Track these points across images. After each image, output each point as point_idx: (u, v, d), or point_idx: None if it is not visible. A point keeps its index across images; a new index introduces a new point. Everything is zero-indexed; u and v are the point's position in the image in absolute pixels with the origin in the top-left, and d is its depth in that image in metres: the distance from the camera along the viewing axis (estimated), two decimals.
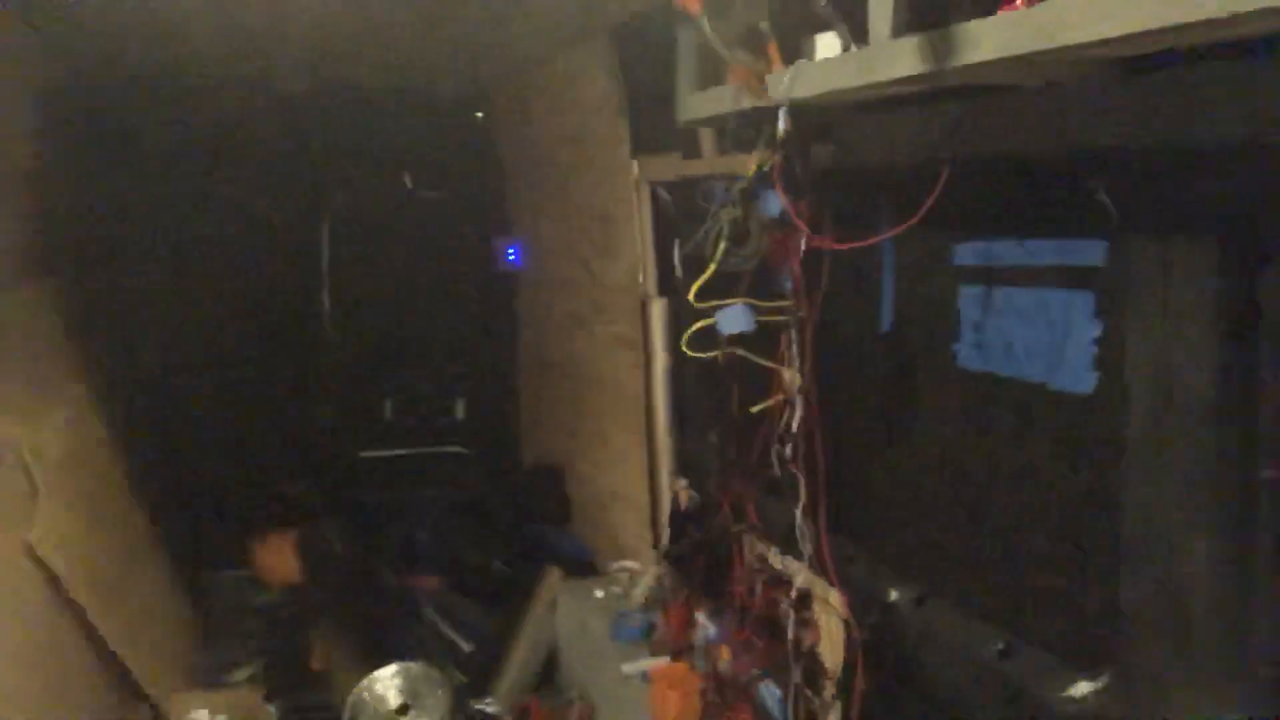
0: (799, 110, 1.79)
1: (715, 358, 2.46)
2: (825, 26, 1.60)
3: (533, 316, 4.67)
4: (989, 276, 1.82)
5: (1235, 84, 1.27)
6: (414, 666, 2.95)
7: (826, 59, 1.53)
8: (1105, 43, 0.98)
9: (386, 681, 2.92)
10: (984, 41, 1.13)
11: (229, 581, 4.25)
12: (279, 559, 4.11)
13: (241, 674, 3.62)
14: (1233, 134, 1.31)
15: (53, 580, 2.73)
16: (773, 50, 1.60)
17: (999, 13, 1.14)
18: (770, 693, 2.44)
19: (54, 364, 3.33)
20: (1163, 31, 0.92)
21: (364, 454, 4.80)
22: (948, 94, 1.65)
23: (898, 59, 1.28)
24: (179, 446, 4.33)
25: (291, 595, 4.02)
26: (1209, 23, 0.89)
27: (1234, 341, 1.37)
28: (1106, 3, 0.96)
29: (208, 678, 3.53)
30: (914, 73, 1.24)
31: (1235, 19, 0.85)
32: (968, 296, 1.88)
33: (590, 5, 2.74)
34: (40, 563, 2.69)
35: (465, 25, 3.08)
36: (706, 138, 2.52)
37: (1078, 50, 1.04)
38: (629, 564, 3.46)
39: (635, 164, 3.09)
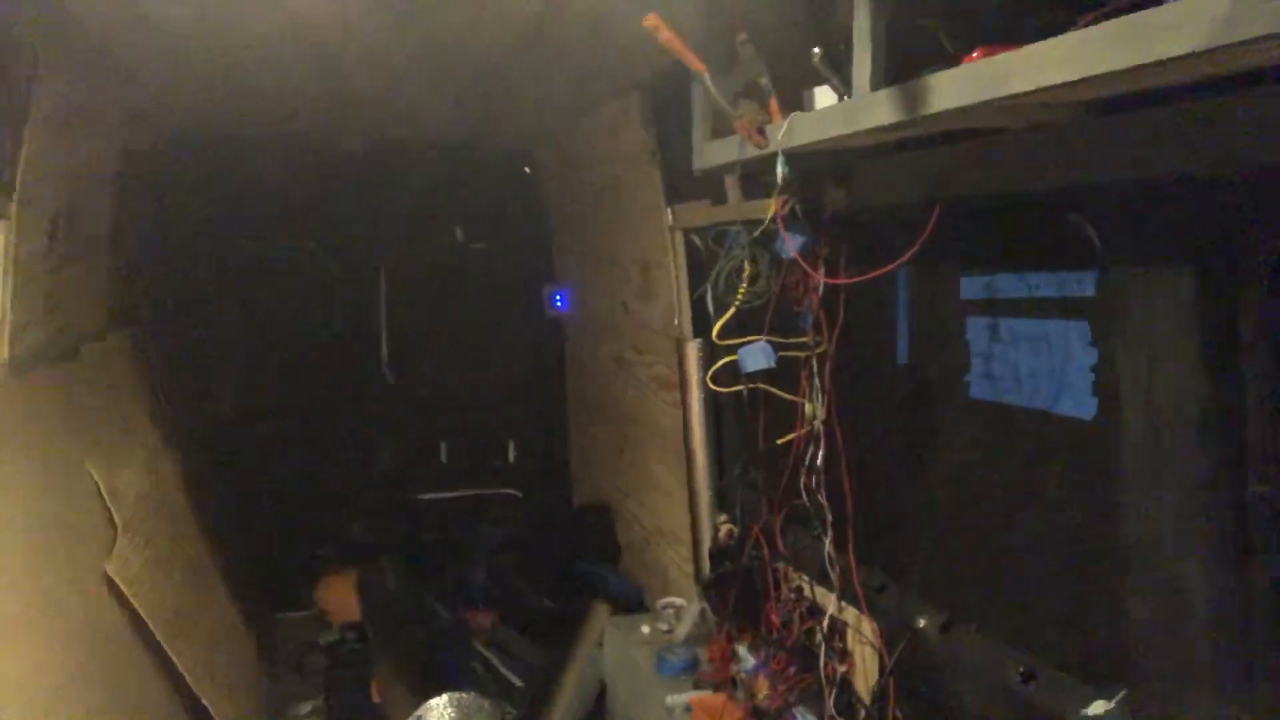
0: (813, 157, 1.91)
1: (742, 394, 2.56)
2: (822, 80, 1.71)
3: (579, 360, 4.82)
4: (993, 309, 1.90)
5: (1207, 120, 1.35)
6: (465, 696, 3.05)
7: (816, 110, 1.64)
8: (1046, 90, 1.08)
9: (439, 710, 3.02)
10: (945, 91, 1.23)
11: (294, 620, 4.44)
12: (340, 598, 4.29)
13: (305, 707, 3.77)
14: (1205, 167, 1.38)
15: (130, 611, 2.92)
16: (772, 103, 1.72)
17: (961, 64, 1.25)
18: None
19: (134, 409, 3.57)
20: (1092, 80, 1.02)
21: (421, 496, 4.96)
22: (945, 138, 1.75)
23: (877, 109, 1.39)
24: (246, 490, 4.55)
25: (352, 632, 4.19)
26: (1131, 71, 0.99)
27: (1216, 363, 1.43)
28: (1042, 57, 1.06)
29: (274, 710, 3.69)
30: (890, 121, 1.35)
31: (1145, 70, 0.94)
32: (975, 329, 1.95)
33: (622, 62, 2.91)
34: (119, 594, 2.87)
35: (511, 83, 3.27)
36: (732, 185, 2.64)
37: (1026, 97, 1.13)
38: (674, 600, 3.53)
39: (669, 211, 3.22)
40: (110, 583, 2.85)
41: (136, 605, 2.92)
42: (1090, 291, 1.64)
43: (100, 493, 2.96)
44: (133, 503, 3.16)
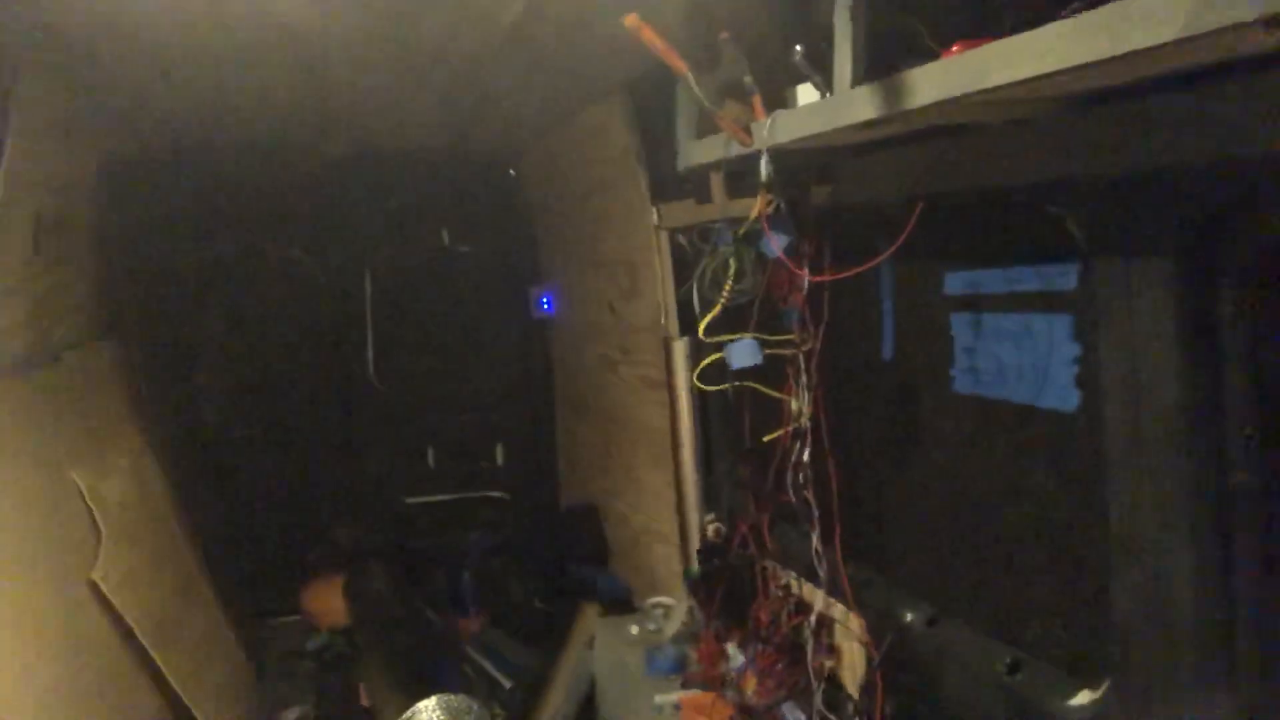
0: (797, 155, 1.92)
1: (729, 391, 2.57)
2: (805, 78, 1.72)
3: (566, 361, 4.82)
4: (977, 304, 1.91)
5: (1185, 113, 1.36)
6: (455, 698, 3.03)
7: (798, 108, 1.65)
8: (1025, 83, 1.09)
9: (429, 713, 3.01)
10: (924, 86, 1.24)
11: (282, 625, 4.42)
12: (328, 603, 4.27)
13: (294, 712, 3.75)
14: (1184, 160, 1.40)
15: (116, 619, 2.90)
16: (756, 101, 1.73)
17: (940, 59, 1.26)
18: (795, 717, 2.50)
19: (116, 415, 3.55)
20: (1070, 71, 1.03)
21: (409, 500, 4.95)
22: (928, 134, 1.76)
23: (858, 105, 1.40)
24: (232, 495, 4.53)
25: (340, 637, 4.17)
26: (1109, 62, 1.00)
27: (1196, 354, 1.44)
28: (1021, 50, 1.07)
29: (263, 716, 3.67)
30: (871, 116, 1.36)
31: (1123, 62, 0.95)
32: (959, 324, 1.97)
33: (605, 63, 2.91)
34: (104, 601, 2.86)
35: (494, 86, 3.27)
36: (716, 184, 2.65)
37: (1005, 90, 1.15)
38: (663, 599, 3.54)
39: (654, 211, 3.23)
40: (96, 591, 2.84)
41: (123, 613, 2.90)
42: (1072, 285, 1.66)
43: (84, 500, 2.94)
44: (117, 510, 3.14)
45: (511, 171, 4.85)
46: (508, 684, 3.84)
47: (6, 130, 2.38)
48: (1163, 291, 1.47)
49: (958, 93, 1.18)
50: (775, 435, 2.39)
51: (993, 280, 1.86)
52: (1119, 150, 1.46)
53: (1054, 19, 1.07)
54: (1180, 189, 1.43)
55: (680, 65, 1.62)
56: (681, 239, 3.12)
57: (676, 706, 2.90)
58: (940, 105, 1.28)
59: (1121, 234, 1.52)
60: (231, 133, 3.94)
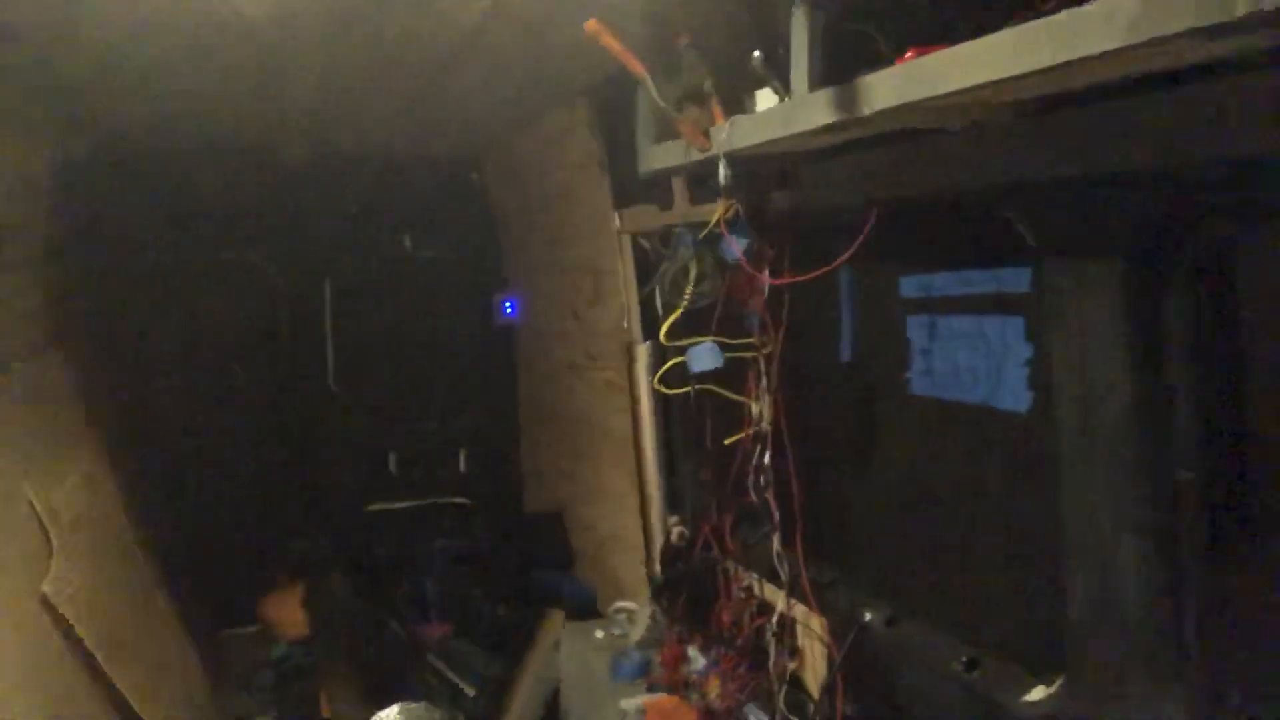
0: (757, 160, 1.94)
1: (691, 394, 2.58)
2: (764, 83, 1.74)
3: (530, 367, 4.81)
4: (932, 306, 1.94)
5: (1134, 119, 1.40)
6: (416, 707, 3.01)
7: (756, 113, 1.67)
8: (977, 89, 1.11)
9: None
10: (879, 91, 1.27)
11: (241, 636, 4.35)
12: (288, 613, 4.21)
13: None
14: (1134, 165, 1.43)
15: (69, 634, 2.83)
16: (715, 106, 1.74)
17: (895, 65, 1.28)
18: (758, 718, 2.51)
19: (70, 426, 3.47)
20: (1020, 78, 1.05)
21: (370, 507, 4.90)
22: (885, 139, 1.79)
23: (814, 110, 1.42)
24: (189, 505, 4.45)
25: (300, 647, 4.11)
26: (1058, 69, 1.02)
27: (1144, 355, 1.48)
28: (973, 57, 1.10)
29: None
30: (827, 121, 1.38)
31: (1069, 69, 0.98)
32: (915, 326, 2.00)
33: (567, 68, 2.92)
34: (57, 617, 2.79)
35: (455, 90, 3.26)
36: (679, 189, 2.67)
37: (958, 96, 1.17)
38: (627, 604, 3.54)
39: (617, 216, 3.24)
40: (49, 606, 2.77)
41: (76, 628, 2.84)
42: (1025, 288, 1.70)
43: (36, 514, 2.87)
44: (70, 523, 3.07)
45: (474, 176, 4.83)
46: (471, 691, 3.82)
47: None
48: (1112, 294, 1.50)
49: (912, 98, 1.20)
50: (736, 438, 2.41)
51: (947, 283, 1.90)
52: (1070, 155, 1.49)
53: (1005, 27, 1.10)
54: (1129, 193, 1.46)
55: (639, 69, 1.63)
56: (644, 243, 3.13)
57: (641, 711, 2.90)
58: (896, 110, 1.30)
59: (1072, 237, 1.55)
60: (188, 137, 3.89)
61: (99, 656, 2.91)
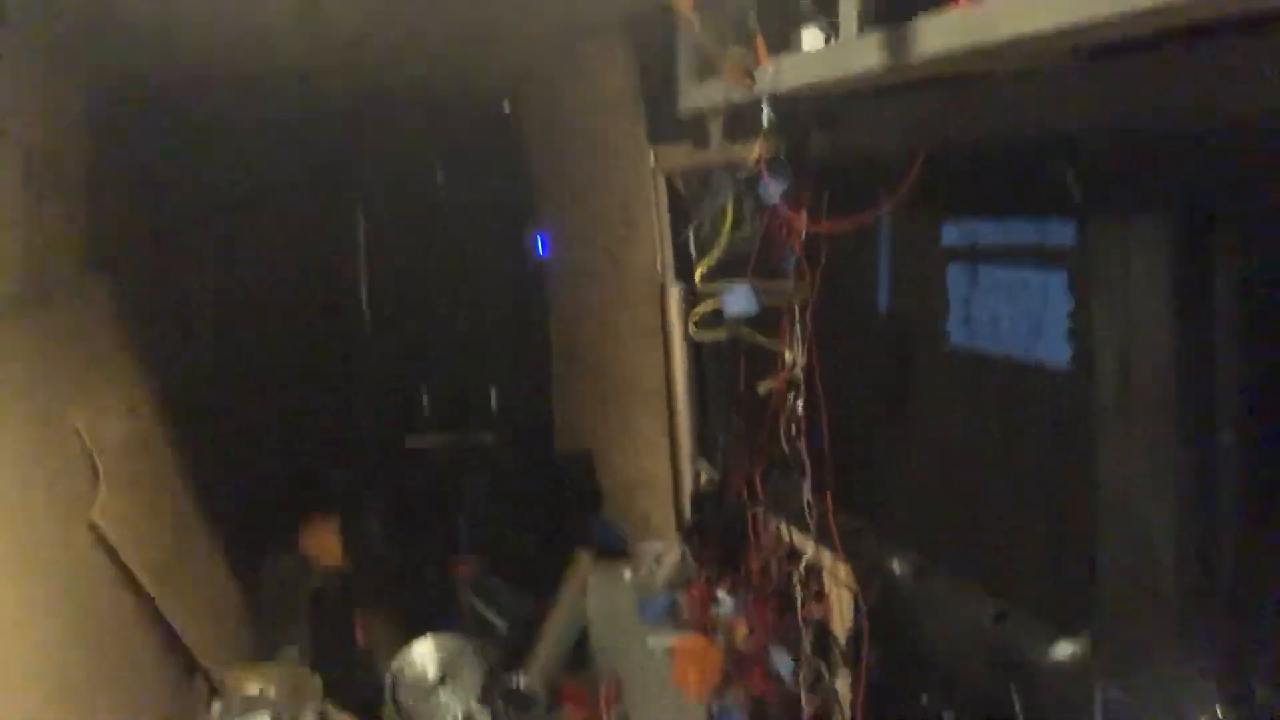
0: (798, 101, 1.89)
1: (724, 340, 2.56)
2: (810, 20, 1.69)
3: (562, 307, 4.80)
4: (974, 256, 1.90)
5: (1193, 70, 1.34)
6: (450, 639, 3.10)
7: (802, 54, 1.62)
8: (1032, 37, 1.07)
9: (423, 654, 3.07)
10: (931, 36, 1.22)
11: (278, 566, 4.47)
12: (324, 544, 4.32)
13: (291, 651, 3.80)
14: (1187, 117, 1.37)
15: (115, 559, 2.93)
16: (759, 45, 1.69)
17: (949, 8, 1.23)
18: (782, 662, 2.54)
19: (112, 357, 3.54)
20: (1077, 28, 1.01)
21: (404, 444, 4.98)
22: (931, 84, 1.73)
23: (862, 53, 1.37)
24: (229, 437, 4.54)
25: (336, 578, 4.22)
26: (1118, 17, 0.98)
27: (1188, 315, 1.44)
28: (1031, 2, 1.05)
29: (260, 654, 3.73)
30: (876, 66, 1.33)
31: (1133, 16, 0.93)
32: (955, 275, 1.96)
33: (605, 1, 2.85)
34: (103, 542, 2.88)
35: (491, 24, 3.20)
36: (715, 128, 2.61)
37: (1014, 43, 1.12)
38: (655, 546, 3.58)
39: (652, 154, 3.19)
40: (95, 531, 2.86)
41: (122, 553, 2.93)
42: (1070, 240, 1.65)
43: (82, 441, 2.95)
44: (115, 450, 3.15)
45: (508, 112, 4.78)
46: (502, 626, 3.90)
47: None
48: (1159, 250, 1.46)
49: (966, 44, 1.15)
50: (770, 385, 2.39)
51: (990, 232, 1.85)
52: (1124, 105, 1.44)
53: None
54: (1183, 147, 1.41)
55: (686, 4, 1.59)
56: (679, 184, 3.09)
57: (668, 650, 2.96)
58: (947, 56, 1.26)
59: (1121, 190, 1.50)
60: (224, 68, 3.86)
61: (143, 581, 3.01)
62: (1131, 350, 1.50)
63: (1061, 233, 1.65)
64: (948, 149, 1.79)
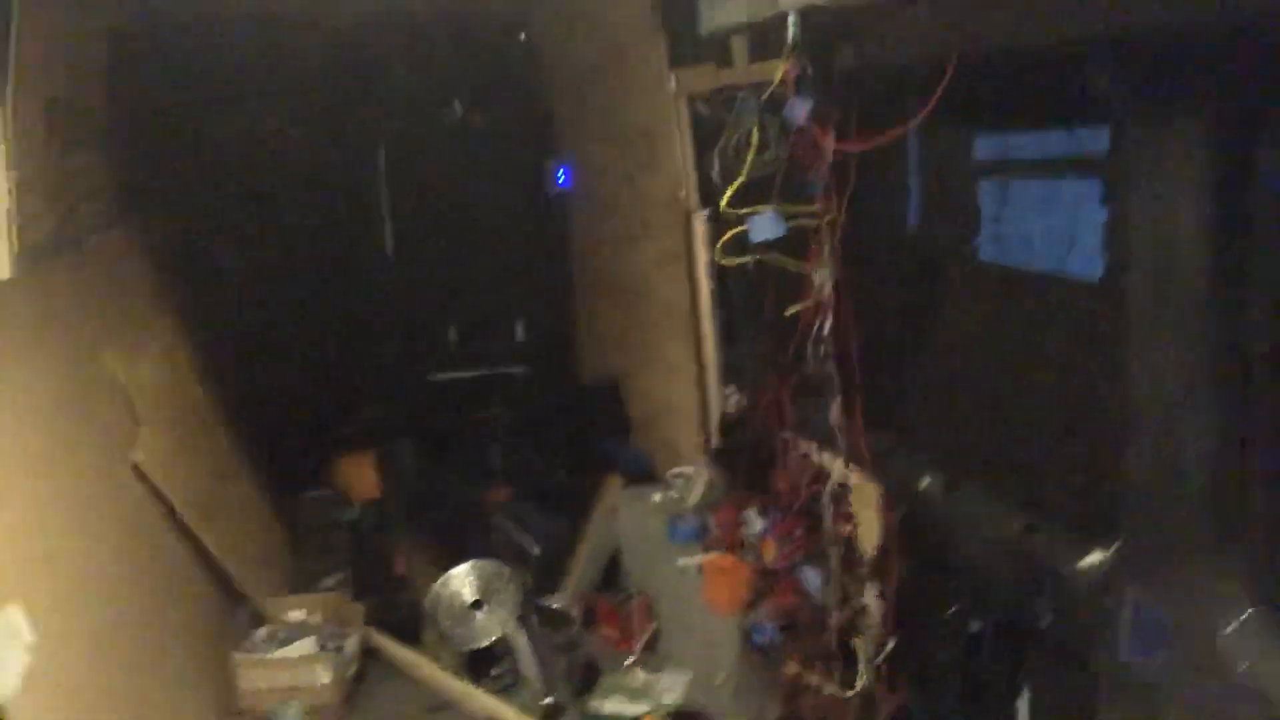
0: (824, 13, 1.84)
1: (751, 265, 2.56)
2: None
3: (584, 235, 4.78)
4: (1006, 169, 1.87)
5: None
6: (486, 564, 3.17)
7: None
8: None
9: (461, 579, 3.15)
10: None
11: (316, 499, 4.58)
12: (359, 476, 4.40)
13: (331, 580, 3.92)
14: (1227, 19, 1.33)
15: (158, 496, 3.01)
16: None
17: None
18: (811, 577, 2.59)
19: (144, 301, 3.58)
20: None
21: (432, 377, 5.02)
22: None
23: None
24: (260, 374, 4.60)
25: (372, 509, 4.32)
26: None
27: (1227, 221, 1.42)
28: None
29: (302, 585, 3.84)
30: None
31: None
32: (987, 190, 1.94)
33: None
34: (146, 481, 2.96)
35: None
36: (739, 47, 2.56)
37: None
38: (684, 470, 3.62)
39: (673, 77, 3.13)
40: (137, 470, 2.93)
41: (164, 490, 3.01)
42: (1104, 147, 1.62)
43: (119, 383, 3.00)
44: (152, 391, 3.21)
45: (523, 35, 4.69)
46: (535, 550, 3.98)
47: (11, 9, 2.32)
48: (1196, 155, 1.43)
49: None
50: (798, 308, 2.39)
51: (1023, 144, 1.82)
52: (1161, 6, 1.40)
53: None
54: (1220, 48, 1.37)
55: None
56: (701, 107, 3.04)
57: (698, 569, 3.02)
58: None
59: (1158, 94, 1.47)
60: (241, 6, 3.82)
61: (186, 517, 3.09)
62: (1168, 258, 1.49)
63: (1096, 141, 1.62)
64: (977, 58, 1.75)
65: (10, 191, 2.30)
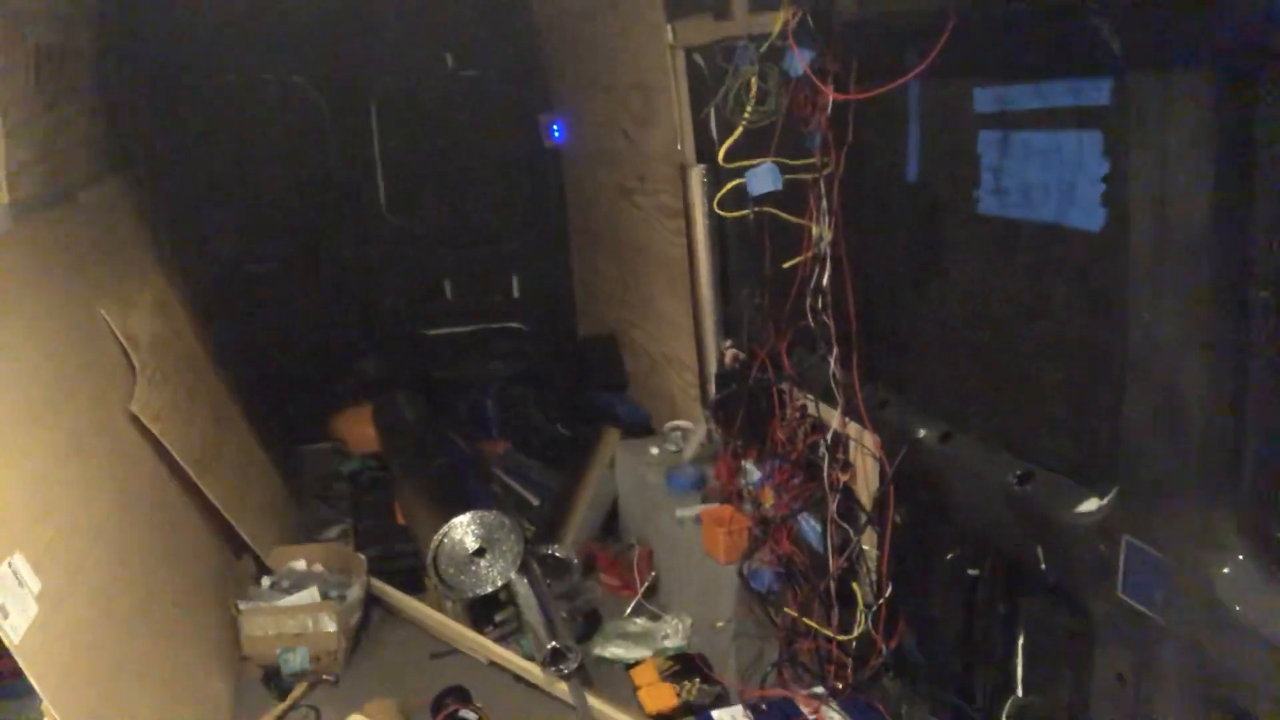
0: None
1: (749, 218, 2.56)
2: None
3: (580, 191, 4.76)
4: (1006, 121, 1.87)
5: None
6: (488, 514, 3.20)
7: None
8: None
9: (463, 528, 3.19)
10: None
11: (316, 451, 4.62)
12: (359, 429, 4.43)
13: (334, 531, 3.97)
14: None
15: (158, 448, 3.03)
16: None
17: None
18: (810, 526, 2.64)
19: (137, 253, 3.57)
20: None
21: (429, 332, 5.03)
22: None
23: None
24: (256, 328, 4.61)
25: (373, 461, 4.36)
26: None
27: (1227, 171, 1.42)
28: None
29: (304, 535, 3.88)
30: None
31: None
32: (987, 142, 1.93)
33: None
34: (147, 434, 2.98)
35: None
36: None
37: None
38: (681, 423, 3.66)
39: (669, 29, 3.10)
40: (136, 422, 2.95)
41: (164, 442, 3.02)
42: (1105, 100, 1.62)
43: (114, 335, 3.00)
44: (148, 344, 3.21)
45: None
46: (535, 501, 4.03)
47: None
48: (1198, 105, 1.43)
49: None
50: (796, 261, 2.40)
51: (1024, 96, 1.82)
52: None
53: None
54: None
55: None
56: (699, 59, 3.01)
57: (697, 519, 3.06)
58: None
59: (1159, 44, 1.46)
60: None
61: (187, 468, 3.11)
62: (1169, 207, 1.49)
63: (1097, 92, 1.62)
64: (979, 6, 1.74)
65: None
